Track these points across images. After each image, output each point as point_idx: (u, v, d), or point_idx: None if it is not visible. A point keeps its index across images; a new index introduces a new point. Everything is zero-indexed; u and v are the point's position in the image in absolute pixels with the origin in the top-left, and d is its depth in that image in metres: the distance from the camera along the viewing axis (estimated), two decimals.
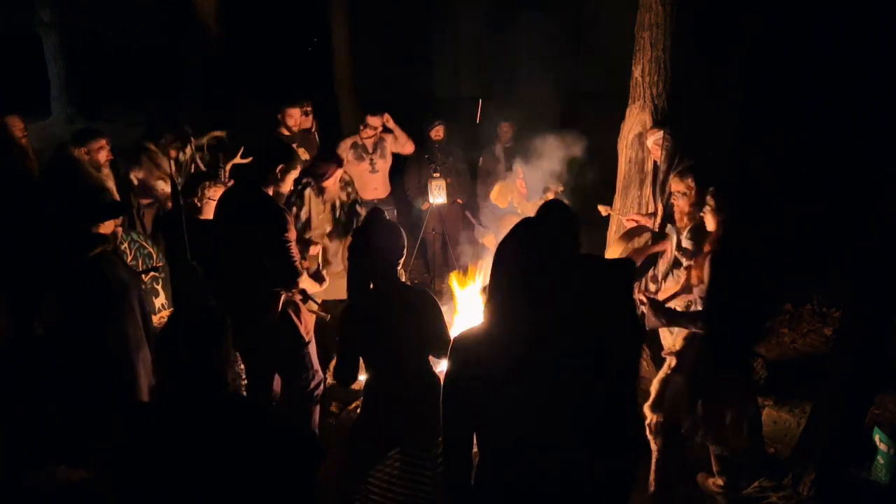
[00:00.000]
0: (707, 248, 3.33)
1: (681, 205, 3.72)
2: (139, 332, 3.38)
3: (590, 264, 2.40)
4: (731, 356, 3.32)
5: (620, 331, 1.99)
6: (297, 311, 3.66)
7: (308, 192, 4.50)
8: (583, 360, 1.87)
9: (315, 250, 4.21)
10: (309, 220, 4.57)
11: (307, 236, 4.41)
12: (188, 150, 5.25)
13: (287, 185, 3.65)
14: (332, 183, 4.54)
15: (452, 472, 2.05)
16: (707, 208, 3.40)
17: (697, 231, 3.55)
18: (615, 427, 1.95)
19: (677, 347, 3.38)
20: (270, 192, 3.57)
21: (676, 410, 3.34)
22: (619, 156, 4.99)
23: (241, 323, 3.48)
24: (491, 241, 5.57)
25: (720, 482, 3.51)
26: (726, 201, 3.30)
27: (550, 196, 5.46)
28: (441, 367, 3.09)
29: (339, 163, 4.63)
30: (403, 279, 3.11)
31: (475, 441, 2.02)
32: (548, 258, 1.88)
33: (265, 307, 3.53)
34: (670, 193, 4.37)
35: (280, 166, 3.54)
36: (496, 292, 1.93)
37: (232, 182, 4.32)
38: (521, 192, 5.59)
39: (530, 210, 5.44)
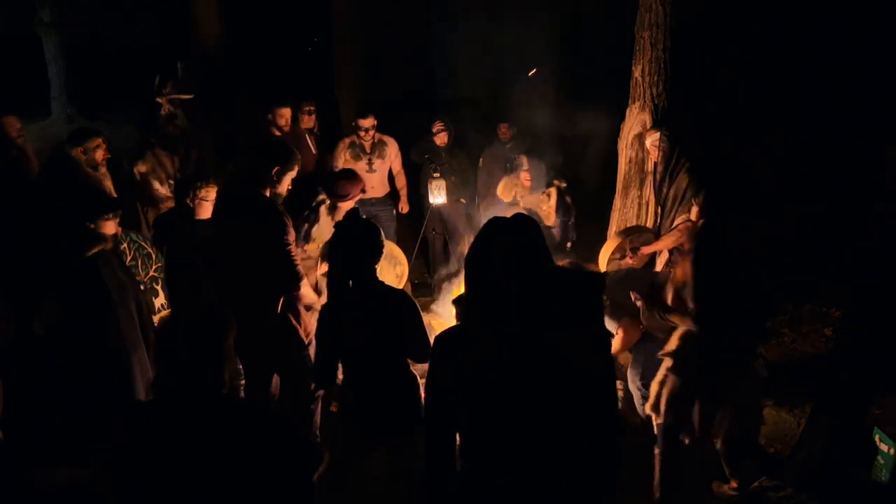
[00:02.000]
0: (688, 246, 3.35)
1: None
2: (135, 332, 3.37)
3: (563, 275, 2.39)
4: (731, 356, 3.32)
5: (587, 343, 1.97)
6: (297, 314, 3.65)
7: (322, 208, 4.31)
8: (553, 366, 1.87)
9: (324, 268, 4.16)
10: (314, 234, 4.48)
11: (305, 248, 4.36)
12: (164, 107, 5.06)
13: (283, 187, 3.58)
14: (350, 205, 4.45)
15: (433, 469, 2.06)
16: (694, 209, 3.52)
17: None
18: (590, 430, 1.95)
19: (672, 347, 3.38)
20: (266, 194, 3.51)
21: (675, 411, 3.34)
22: (619, 156, 5.00)
23: (240, 324, 3.47)
24: None
25: (734, 485, 3.51)
26: (713, 205, 3.39)
27: (553, 191, 5.48)
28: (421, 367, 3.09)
29: (363, 188, 4.56)
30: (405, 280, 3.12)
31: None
32: (515, 261, 1.88)
33: (264, 310, 3.51)
34: (669, 186, 4.38)
35: (276, 168, 3.48)
36: (470, 292, 1.95)
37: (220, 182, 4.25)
38: (524, 184, 5.60)
39: (532, 202, 5.48)
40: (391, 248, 5.35)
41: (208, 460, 1.92)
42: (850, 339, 3.45)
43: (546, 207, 5.52)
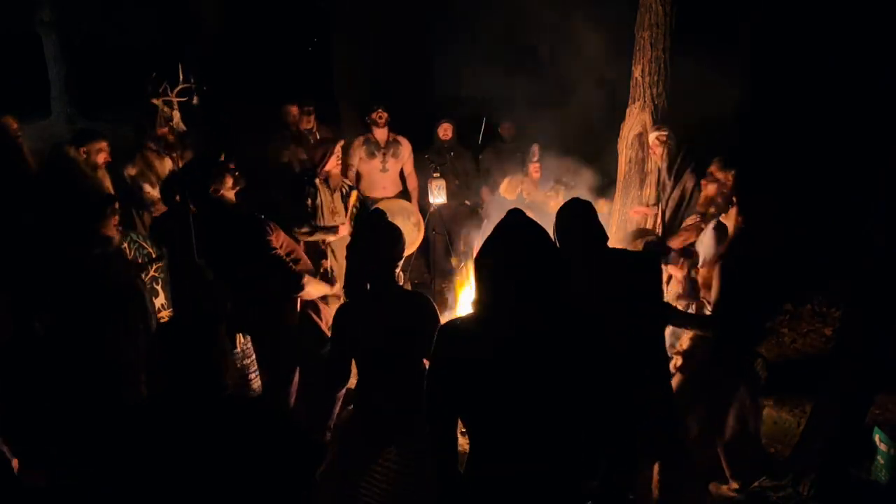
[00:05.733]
0: (721, 250, 3.32)
1: (709, 190, 3.70)
2: (131, 334, 3.36)
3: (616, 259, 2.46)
4: (732, 356, 3.31)
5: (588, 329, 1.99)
6: (317, 311, 3.63)
7: (318, 180, 4.44)
8: (565, 354, 1.89)
9: (326, 264, 4.14)
10: (320, 210, 4.50)
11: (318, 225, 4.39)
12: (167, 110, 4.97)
13: (228, 191, 3.49)
14: (333, 165, 4.47)
15: (438, 457, 2.07)
16: (733, 210, 3.37)
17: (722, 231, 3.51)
18: (601, 418, 1.97)
19: (684, 347, 3.35)
20: (228, 196, 3.47)
21: (678, 410, 3.32)
22: (620, 156, 5.00)
23: (261, 329, 3.43)
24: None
25: (735, 486, 3.48)
26: (751, 209, 3.25)
27: (561, 189, 5.39)
28: None
29: (335, 140, 4.58)
30: (402, 280, 3.08)
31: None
32: (527, 255, 1.90)
33: (282, 316, 3.49)
34: (674, 187, 4.36)
35: (211, 186, 3.43)
36: (479, 282, 1.96)
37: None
38: (533, 176, 5.50)
39: (539, 197, 5.31)
40: (401, 204, 5.45)
41: (208, 461, 1.92)
42: (851, 339, 3.45)
43: (553, 204, 5.44)
